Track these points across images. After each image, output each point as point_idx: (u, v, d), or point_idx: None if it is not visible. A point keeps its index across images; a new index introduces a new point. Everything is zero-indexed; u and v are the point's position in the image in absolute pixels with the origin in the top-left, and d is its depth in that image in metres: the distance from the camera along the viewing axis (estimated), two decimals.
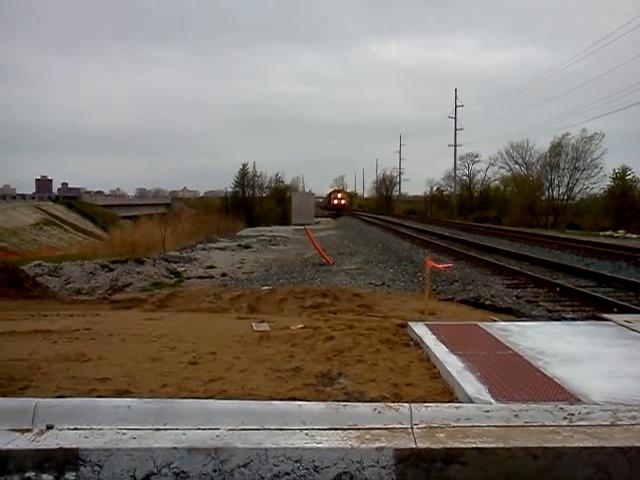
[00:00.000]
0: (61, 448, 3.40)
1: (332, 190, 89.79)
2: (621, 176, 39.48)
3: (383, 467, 3.33)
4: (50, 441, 3.50)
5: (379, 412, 3.83)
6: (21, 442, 3.49)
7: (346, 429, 3.65)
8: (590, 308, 9.01)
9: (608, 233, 29.39)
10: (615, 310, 8.32)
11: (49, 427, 3.67)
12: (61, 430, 3.65)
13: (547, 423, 3.71)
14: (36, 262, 14.99)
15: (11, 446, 3.43)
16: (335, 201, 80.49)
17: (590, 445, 3.39)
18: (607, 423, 3.70)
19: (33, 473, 3.32)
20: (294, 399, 4.13)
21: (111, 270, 14.46)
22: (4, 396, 4.14)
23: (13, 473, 3.33)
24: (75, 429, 3.65)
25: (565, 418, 3.76)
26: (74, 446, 3.41)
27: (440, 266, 9.37)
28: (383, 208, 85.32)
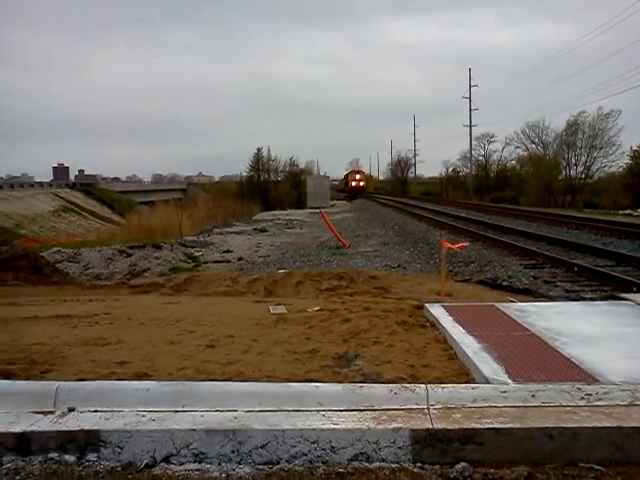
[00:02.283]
0: (82, 430, 3.47)
1: (349, 171, 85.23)
2: (639, 154, 38.81)
3: (399, 448, 3.35)
4: (72, 423, 3.57)
5: (395, 393, 3.84)
6: (44, 424, 3.56)
7: (362, 410, 3.67)
8: (608, 288, 8.93)
9: (627, 212, 28.97)
10: (634, 289, 8.23)
11: (70, 409, 3.74)
12: (82, 412, 3.71)
13: (564, 403, 3.69)
14: (55, 249, 15.19)
15: (34, 428, 3.50)
16: (353, 183, 75.72)
17: (608, 425, 3.37)
18: (625, 403, 3.67)
19: (56, 454, 3.40)
20: (311, 381, 4.16)
21: (129, 255, 14.62)
22: (27, 379, 4.23)
23: (37, 454, 3.41)
24: (96, 411, 3.71)
25: (582, 398, 3.74)
26: (95, 428, 3.48)
27: (456, 246, 9.30)
28: (399, 190, 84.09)
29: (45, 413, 3.71)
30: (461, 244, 10.23)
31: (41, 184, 71.73)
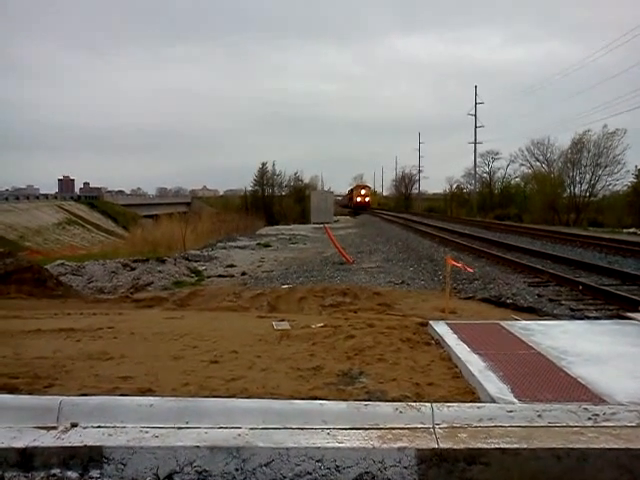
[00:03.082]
0: (85, 446, 3.44)
1: (354, 186, 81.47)
2: None
3: (405, 467, 3.32)
4: (74, 439, 3.54)
5: (400, 412, 3.82)
6: (46, 439, 3.54)
7: (367, 429, 3.64)
8: (614, 307, 8.88)
9: (631, 230, 28.91)
10: None
11: (73, 425, 3.72)
12: (85, 428, 3.69)
13: (571, 424, 3.66)
14: (59, 261, 15.22)
15: (37, 443, 3.48)
16: (358, 198, 72.41)
17: (615, 447, 3.34)
18: (633, 424, 3.64)
19: (58, 470, 3.37)
20: (315, 398, 4.13)
21: (133, 269, 14.62)
22: (30, 394, 4.20)
23: (39, 470, 3.38)
24: (99, 427, 3.69)
25: (590, 419, 3.71)
26: (98, 444, 3.45)
27: (460, 264, 9.29)
28: (402, 206, 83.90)
29: (48, 428, 3.68)
30: (466, 266, 10.21)
31: (46, 196, 72.13)
